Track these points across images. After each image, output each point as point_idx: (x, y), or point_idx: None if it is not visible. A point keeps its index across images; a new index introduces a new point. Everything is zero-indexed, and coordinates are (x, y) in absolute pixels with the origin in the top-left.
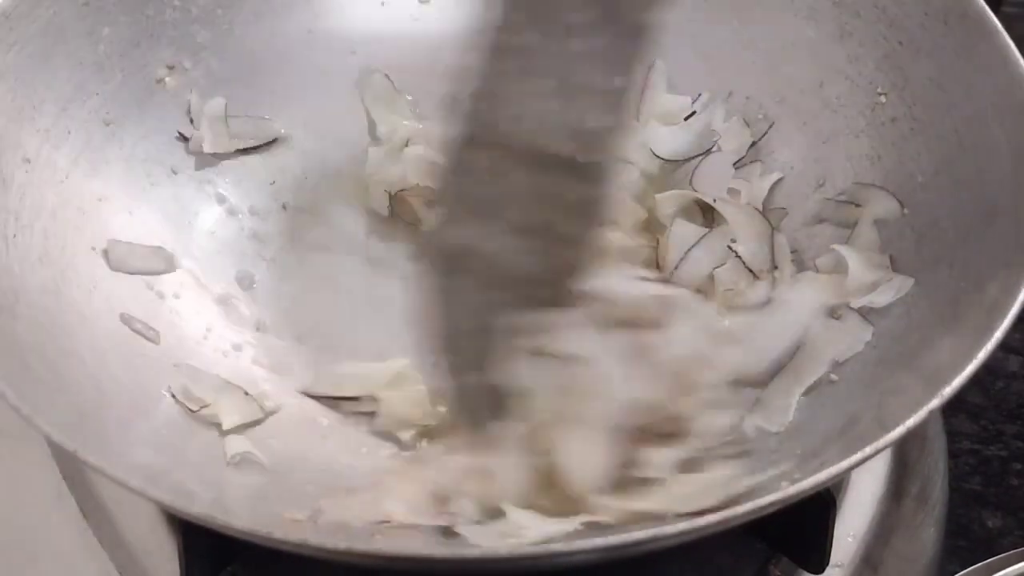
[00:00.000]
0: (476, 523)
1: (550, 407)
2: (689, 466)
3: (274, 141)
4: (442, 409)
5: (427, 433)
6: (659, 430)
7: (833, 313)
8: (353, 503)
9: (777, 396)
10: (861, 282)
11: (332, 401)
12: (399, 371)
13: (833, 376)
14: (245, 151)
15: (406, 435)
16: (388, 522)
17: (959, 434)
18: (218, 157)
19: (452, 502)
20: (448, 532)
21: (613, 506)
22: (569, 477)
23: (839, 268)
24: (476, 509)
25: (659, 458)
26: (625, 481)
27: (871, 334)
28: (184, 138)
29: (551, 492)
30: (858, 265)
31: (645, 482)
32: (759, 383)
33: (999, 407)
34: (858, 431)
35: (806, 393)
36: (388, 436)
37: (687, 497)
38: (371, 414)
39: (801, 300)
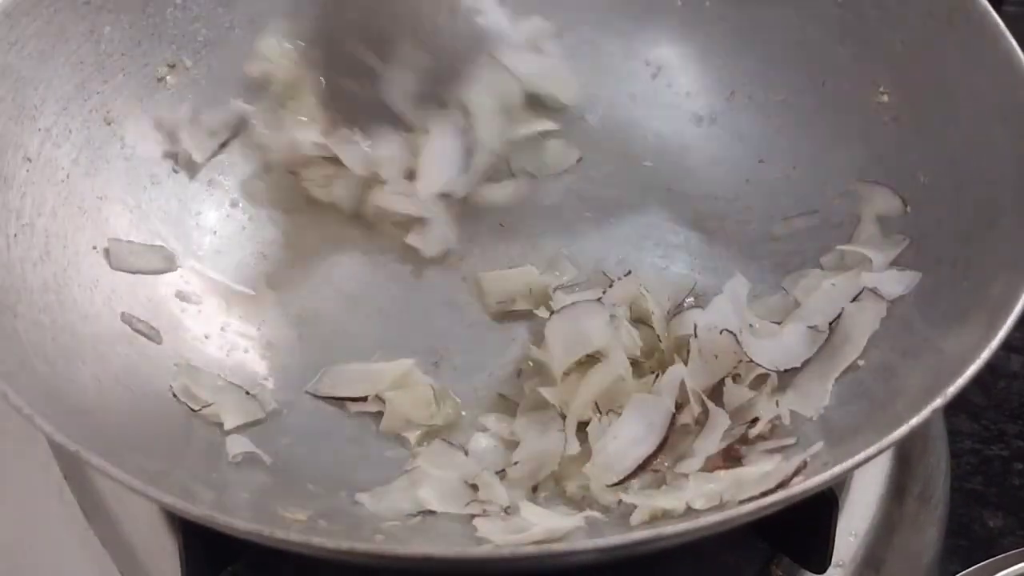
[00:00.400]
0: (490, 516)
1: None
2: (728, 461)
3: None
4: (449, 410)
5: (434, 433)
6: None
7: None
8: (390, 494)
9: (812, 381)
10: (879, 256)
11: (337, 401)
12: (405, 371)
13: (860, 361)
14: (225, 144)
15: (412, 436)
16: (423, 513)
17: (960, 434)
18: (214, 157)
19: (482, 489)
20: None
21: (639, 503)
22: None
23: (843, 265)
24: (505, 495)
25: (698, 447)
26: (655, 477)
27: (886, 309)
28: (171, 155)
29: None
30: (875, 237)
31: (675, 478)
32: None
33: (1000, 407)
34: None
35: (839, 378)
36: (394, 437)
37: (711, 494)
38: (377, 414)
39: (830, 288)
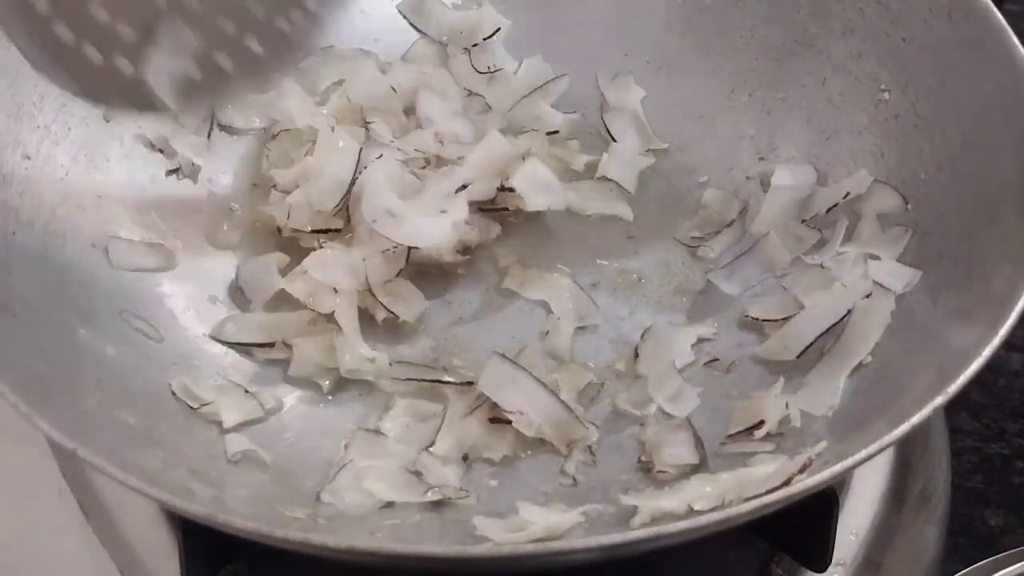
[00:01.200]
0: (486, 515)
1: None
2: (733, 462)
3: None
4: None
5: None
6: None
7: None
8: (346, 491)
9: (823, 379)
10: (883, 253)
11: (244, 348)
12: (311, 319)
13: (867, 358)
14: (208, 135)
15: (324, 383)
16: (390, 506)
17: (961, 432)
18: (212, 153)
19: (426, 474)
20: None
21: (640, 504)
22: None
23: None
24: (452, 475)
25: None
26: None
27: (894, 302)
28: (174, 171)
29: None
30: (875, 235)
31: (677, 479)
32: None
33: (1001, 405)
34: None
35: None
36: (307, 383)
37: (713, 496)
38: (286, 361)
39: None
